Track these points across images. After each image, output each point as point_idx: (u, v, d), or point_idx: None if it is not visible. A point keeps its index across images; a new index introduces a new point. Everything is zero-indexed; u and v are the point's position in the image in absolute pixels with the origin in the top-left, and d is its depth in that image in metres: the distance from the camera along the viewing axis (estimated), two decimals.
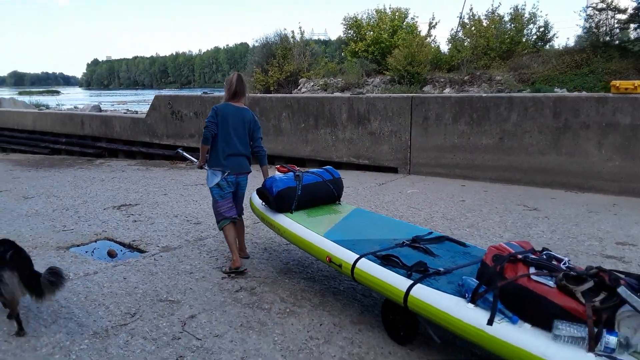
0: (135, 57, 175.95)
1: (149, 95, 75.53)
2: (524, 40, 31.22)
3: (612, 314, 2.08)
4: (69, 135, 13.92)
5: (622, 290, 2.05)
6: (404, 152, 8.04)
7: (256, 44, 40.96)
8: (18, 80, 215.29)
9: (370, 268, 2.93)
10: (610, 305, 2.08)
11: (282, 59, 37.30)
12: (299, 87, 35.56)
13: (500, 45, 30.29)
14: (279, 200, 3.86)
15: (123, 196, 7.39)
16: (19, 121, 15.31)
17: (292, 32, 33.62)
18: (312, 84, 34.67)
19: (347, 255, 3.11)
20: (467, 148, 7.43)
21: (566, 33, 35.43)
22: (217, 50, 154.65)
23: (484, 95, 7.24)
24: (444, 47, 33.34)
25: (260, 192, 4.08)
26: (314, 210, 4.02)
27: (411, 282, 2.68)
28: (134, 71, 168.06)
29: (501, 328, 2.24)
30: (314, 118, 9.00)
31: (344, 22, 34.11)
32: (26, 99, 34.45)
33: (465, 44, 32.40)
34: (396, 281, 2.74)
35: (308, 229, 3.55)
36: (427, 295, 2.57)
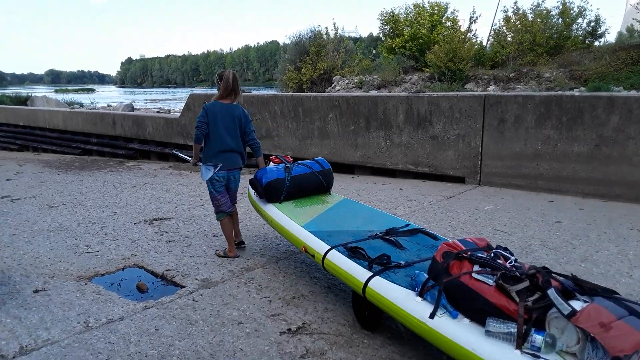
0: (168, 56, 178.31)
1: (181, 93, 76.04)
2: (573, 35, 29.52)
3: (543, 314, 2.11)
4: (101, 136, 13.33)
5: (551, 293, 2.10)
6: (474, 159, 6.97)
7: (288, 42, 40.34)
8: (55, 78, 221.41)
9: (337, 259, 3.08)
10: (542, 306, 2.12)
11: (315, 56, 36.50)
12: (332, 85, 34.65)
13: (547, 41, 28.67)
14: (268, 190, 4.05)
15: (155, 207, 6.58)
16: (50, 120, 14.83)
17: (326, 28, 32.70)
18: (346, 81, 33.68)
19: (320, 246, 3.27)
20: (554, 156, 6.31)
21: (617, 28, 33.09)
22: (247, 48, 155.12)
23: (577, 94, 6.11)
24: (485, 43, 31.87)
25: (252, 183, 4.26)
26: (302, 200, 4.17)
27: (371, 274, 2.81)
28: (167, 70, 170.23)
29: (441, 322, 2.33)
30: (365, 120, 8.02)
31: (380, 17, 32.91)
32: (61, 97, 34.62)
33: (509, 39, 30.89)
34: (358, 272, 2.88)
35: (291, 219, 3.71)
36: (382, 287, 2.70)
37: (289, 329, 3.10)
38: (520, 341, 2.07)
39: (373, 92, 10.51)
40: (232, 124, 4.17)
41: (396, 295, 2.60)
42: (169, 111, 32.42)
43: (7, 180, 9.48)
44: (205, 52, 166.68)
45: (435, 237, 3.42)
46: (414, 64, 31.79)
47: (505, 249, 2.56)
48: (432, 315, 2.36)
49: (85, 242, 5.13)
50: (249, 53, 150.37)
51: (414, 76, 30.42)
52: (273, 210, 3.96)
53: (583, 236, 4.72)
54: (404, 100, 7.47)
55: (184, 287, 3.84)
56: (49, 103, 20.75)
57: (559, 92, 6.87)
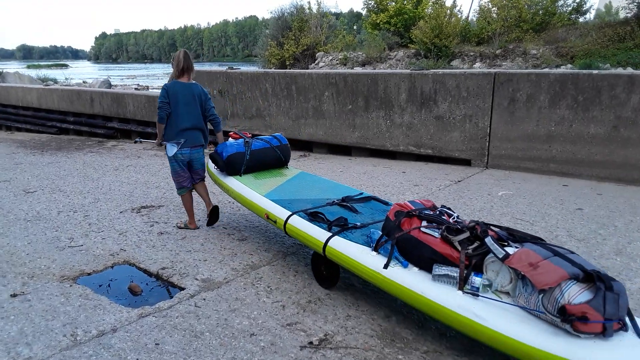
0: (144, 31, 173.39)
1: (157, 69, 74.00)
2: (558, 12, 29.24)
3: (481, 259, 2.43)
4: (78, 114, 12.60)
5: (488, 240, 2.40)
6: (481, 141, 6.61)
7: (270, 17, 39.23)
8: (27, 53, 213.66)
9: (299, 223, 3.30)
10: (480, 252, 2.43)
11: (298, 31, 35.58)
12: (316, 62, 33.90)
13: (533, 17, 28.35)
14: (228, 164, 4.22)
15: (142, 193, 6.09)
16: (23, 98, 13.99)
17: (309, 2, 31.81)
18: (330, 57, 32.98)
19: (281, 213, 3.46)
20: (568, 138, 5.98)
21: (596, 6, 32.97)
22: (226, 23, 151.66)
23: (595, 72, 5.74)
24: (467, 14, 31.43)
25: (212, 157, 4.39)
26: (262, 173, 4.36)
27: (330, 234, 3.06)
28: (143, 45, 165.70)
29: (394, 271, 2.61)
30: (364, 98, 7.57)
31: None
32: (34, 73, 33.15)
33: (494, 15, 30.47)
34: (318, 234, 3.13)
35: (252, 190, 3.90)
36: (341, 245, 2.95)
37: (310, 343, 2.71)
38: (461, 283, 2.37)
39: (372, 70, 10.00)
40: (192, 102, 4.31)
41: (354, 251, 2.88)
42: (147, 88, 31.38)
43: None
44: (182, 26, 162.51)
45: (386, 203, 3.74)
46: (398, 40, 31.20)
47: (449, 208, 2.89)
48: (386, 266, 2.66)
49: (67, 234, 4.65)
50: (227, 28, 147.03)
51: (399, 52, 29.86)
52: (234, 182, 4.15)
53: (610, 225, 4.42)
54: (407, 78, 7.04)
55: (183, 288, 3.42)
56: (22, 79, 19.71)
57: (576, 70, 6.51)
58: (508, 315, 2.20)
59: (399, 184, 6.00)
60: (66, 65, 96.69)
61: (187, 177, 4.48)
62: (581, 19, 29.72)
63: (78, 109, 12.46)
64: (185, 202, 4.57)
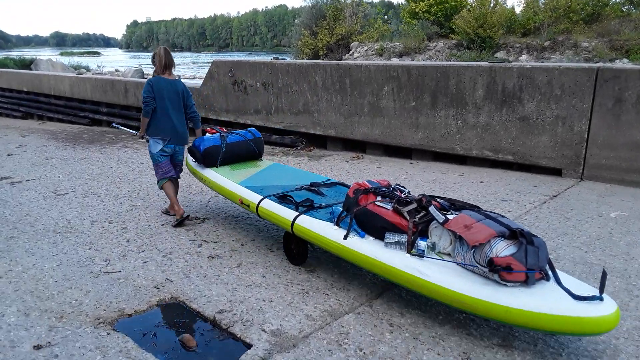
0: (174, 19, 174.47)
1: (187, 58, 73.76)
2: (611, 2, 27.46)
3: (426, 226, 2.77)
4: (111, 105, 12.03)
5: (431, 209, 2.73)
6: (576, 147, 5.64)
7: (305, 4, 38.25)
8: (60, 40, 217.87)
9: (269, 205, 3.61)
10: (425, 220, 2.77)
11: (332, 20, 34.57)
12: (350, 52, 32.87)
13: (584, 8, 26.70)
14: (205, 156, 4.40)
15: (184, 200, 5.39)
16: (55, 86, 13.51)
17: None
18: (365, 48, 31.88)
19: (254, 197, 3.77)
20: None
21: None
22: (255, 12, 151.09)
23: None
24: (515, 9, 29.93)
25: (190, 151, 4.58)
26: (237, 165, 4.58)
27: (297, 213, 3.38)
28: (173, 33, 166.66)
29: (353, 241, 2.96)
30: (430, 94, 6.67)
31: None
32: (66, 60, 33.08)
33: (540, 4, 28.88)
34: (286, 214, 3.43)
35: (227, 179, 4.17)
36: (307, 222, 3.28)
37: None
38: (409, 247, 2.71)
39: (444, 62, 9.07)
40: (176, 98, 4.53)
41: (318, 227, 3.18)
42: (179, 77, 30.99)
43: (8, 155, 8.30)
44: (212, 15, 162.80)
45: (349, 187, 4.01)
46: (438, 30, 29.91)
47: (403, 186, 3.17)
48: (345, 237, 2.98)
49: (103, 253, 3.96)
50: (256, 17, 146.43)
51: (439, 43, 28.58)
52: (211, 173, 4.36)
53: None
54: (485, 72, 6.10)
55: (248, 345, 2.65)
56: (55, 67, 19.37)
57: None
58: (447, 271, 2.54)
59: (481, 198, 5.11)
60: (98, 53, 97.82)
61: (170, 168, 4.65)
62: (635, 10, 27.85)
63: (111, 99, 11.88)
64: (167, 191, 4.63)
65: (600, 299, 2.26)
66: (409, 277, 2.61)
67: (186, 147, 4.75)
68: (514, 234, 2.38)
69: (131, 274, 3.56)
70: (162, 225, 4.61)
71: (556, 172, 5.83)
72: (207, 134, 4.71)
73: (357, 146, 7.88)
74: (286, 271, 3.56)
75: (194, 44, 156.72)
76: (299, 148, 8.44)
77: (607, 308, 2.23)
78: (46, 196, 5.71)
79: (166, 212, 4.85)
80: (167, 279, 3.46)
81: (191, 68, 45.01)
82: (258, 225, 4.58)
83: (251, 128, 4.88)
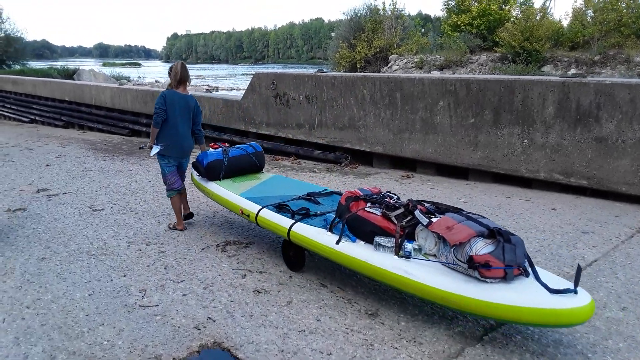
0: (213, 32, 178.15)
1: (224, 70, 74.87)
2: None
3: (413, 229, 2.91)
4: (151, 116, 11.88)
5: (417, 213, 2.86)
6: None
7: (342, 17, 38.06)
8: (103, 51, 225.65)
9: (267, 214, 3.76)
10: (412, 224, 2.91)
11: (371, 33, 34.20)
12: (389, 65, 32.35)
13: (635, 21, 25.47)
14: (208, 170, 4.58)
15: (225, 222, 5.01)
16: (97, 97, 13.54)
17: (383, 3, 30.45)
18: (404, 60, 31.31)
19: (253, 207, 3.93)
20: None
21: None
22: (292, 25, 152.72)
23: None
24: (549, 10, 28.83)
25: (194, 166, 4.77)
26: (239, 177, 4.75)
27: (293, 221, 3.53)
28: (211, 46, 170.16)
29: (345, 245, 3.10)
30: (492, 111, 6.12)
31: None
32: (108, 70, 33.82)
33: (589, 18, 27.77)
34: (283, 222, 3.59)
35: (229, 191, 4.33)
36: (302, 229, 3.42)
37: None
38: (397, 249, 2.86)
39: (509, 76, 8.52)
40: (187, 113, 4.64)
41: (312, 233, 3.36)
42: (217, 89, 31.17)
43: (47, 165, 8.17)
44: (250, 28, 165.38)
45: None
46: (480, 43, 29.07)
47: (393, 193, 3.34)
48: (338, 242, 3.15)
49: (139, 281, 3.59)
50: (293, 30, 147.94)
51: (482, 56, 27.73)
52: (214, 186, 4.50)
53: None
54: (557, 87, 5.51)
55: None
56: (97, 77, 19.63)
57: None
58: (432, 270, 2.69)
59: (558, 229, 4.51)
60: (139, 64, 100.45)
61: (177, 180, 4.75)
62: None
63: (152, 110, 11.74)
64: (174, 204, 4.76)
65: (575, 292, 2.37)
66: (396, 277, 2.77)
67: (190, 162, 4.90)
68: (492, 233, 2.53)
69: (169, 309, 3.16)
70: (203, 249, 4.23)
71: (638, 200, 5.17)
72: (211, 148, 4.83)
73: (406, 164, 7.36)
74: (344, 314, 3.09)
75: (231, 56, 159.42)
76: (343, 164, 7.99)
77: (581, 300, 2.33)
78: (82, 212, 5.43)
79: (173, 227, 4.83)
80: (209, 318, 3.04)
81: (228, 79, 45.46)
82: (306, 254, 4.14)
83: (252, 142, 5.02)
